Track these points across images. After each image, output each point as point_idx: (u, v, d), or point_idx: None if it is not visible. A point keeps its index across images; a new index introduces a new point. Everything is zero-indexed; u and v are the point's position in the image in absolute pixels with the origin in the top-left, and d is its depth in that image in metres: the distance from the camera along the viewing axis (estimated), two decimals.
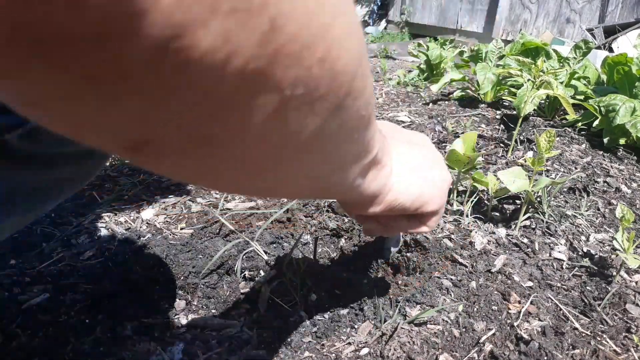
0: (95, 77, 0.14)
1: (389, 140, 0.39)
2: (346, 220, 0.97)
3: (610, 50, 3.36)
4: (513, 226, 1.01)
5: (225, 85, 0.16)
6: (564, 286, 0.82)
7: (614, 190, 1.24)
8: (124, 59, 0.14)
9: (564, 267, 0.89)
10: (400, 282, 0.77)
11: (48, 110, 0.16)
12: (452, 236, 0.94)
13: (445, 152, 1.49)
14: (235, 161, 0.22)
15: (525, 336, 0.68)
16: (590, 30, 4.10)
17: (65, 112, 0.16)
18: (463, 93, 2.10)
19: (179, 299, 0.76)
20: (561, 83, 1.76)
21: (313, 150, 0.24)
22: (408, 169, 0.41)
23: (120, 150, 0.19)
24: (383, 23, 6.47)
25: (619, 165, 1.41)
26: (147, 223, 0.99)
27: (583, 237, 1.00)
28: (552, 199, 1.12)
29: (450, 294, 0.76)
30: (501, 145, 1.53)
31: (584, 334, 0.71)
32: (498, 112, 1.88)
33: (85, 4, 0.12)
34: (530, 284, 0.82)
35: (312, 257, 0.81)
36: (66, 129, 0.18)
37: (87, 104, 0.16)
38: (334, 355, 0.64)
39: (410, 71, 2.79)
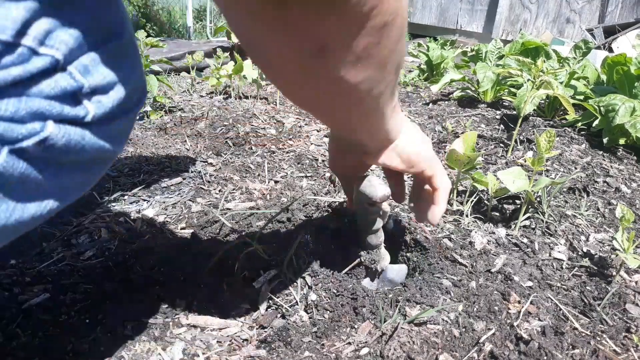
0: (313, 15, 0.30)
1: None
2: (346, 220, 0.97)
3: (610, 50, 3.36)
4: (513, 226, 1.01)
5: (373, 22, 0.33)
6: (563, 286, 0.82)
7: (613, 190, 1.24)
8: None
9: (563, 267, 0.89)
10: None
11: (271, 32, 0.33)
12: (452, 236, 0.94)
13: (445, 152, 1.49)
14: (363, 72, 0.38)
15: (525, 336, 0.68)
16: (590, 30, 4.10)
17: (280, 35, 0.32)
18: (463, 93, 2.11)
19: (179, 299, 0.76)
20: (561, 83, 1.76)
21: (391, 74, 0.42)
22: (408, 128, 0.57)
23: (307, 54, 0.34)
24: None
25: (618, 165, 1.41)
26: (147, 223, 0.99)
27: (583, 237, 1.00)
28: (552, 199, 1.12)
29: (450, 294, 0.76)
30: (501, 145, 1.53)
31: (583, 334, 0.71)
32: (498, 112, 1.88)
33: None
34: (530, 283, 0.82)
35: (312, 257, 0.81)
36: (280, 44, 0.34)
37: (300, 26, 0.31)
38: (334, 355, 0.64)
39: (410, 71, 2.79)
